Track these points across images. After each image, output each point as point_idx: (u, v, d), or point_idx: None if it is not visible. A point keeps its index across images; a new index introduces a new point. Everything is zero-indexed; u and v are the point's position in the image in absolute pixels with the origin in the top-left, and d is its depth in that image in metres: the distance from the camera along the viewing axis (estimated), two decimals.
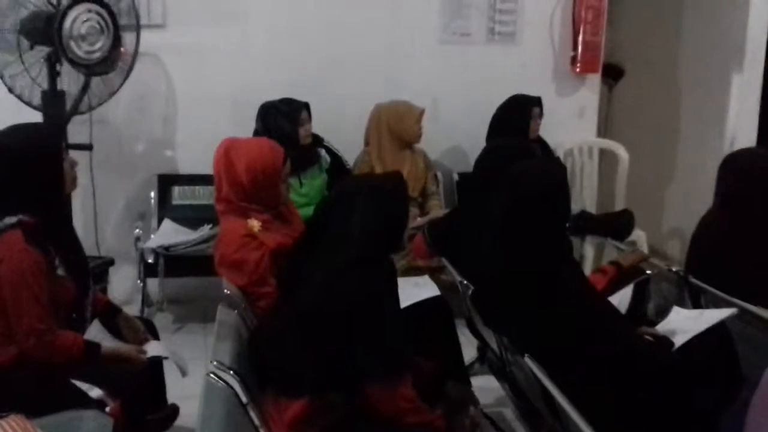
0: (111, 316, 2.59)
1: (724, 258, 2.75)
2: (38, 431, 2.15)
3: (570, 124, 4.68)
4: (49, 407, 2.24)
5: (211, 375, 1.85)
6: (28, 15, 3.43)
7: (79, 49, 3.41)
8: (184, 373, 2.50)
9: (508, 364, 2.57)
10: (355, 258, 2.03)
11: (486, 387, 2.96)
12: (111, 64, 3.54)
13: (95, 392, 2.30)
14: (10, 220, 2.25)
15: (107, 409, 2.26)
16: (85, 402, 2.27)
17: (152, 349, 2.48)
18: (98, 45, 3.44)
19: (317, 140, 4.08)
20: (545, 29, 4.59)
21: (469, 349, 3.13)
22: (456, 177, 4.46)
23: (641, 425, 2.07)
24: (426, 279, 2.90)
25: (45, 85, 3.54)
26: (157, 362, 2.58)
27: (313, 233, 2.18)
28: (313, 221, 2.21)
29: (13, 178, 2.26)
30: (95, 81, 3.62)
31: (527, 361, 2.09)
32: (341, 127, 4.21)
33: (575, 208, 4.14)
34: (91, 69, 3.50)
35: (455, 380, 2.55)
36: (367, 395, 2.00)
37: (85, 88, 3.57)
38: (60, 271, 2.32)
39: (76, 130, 3.79)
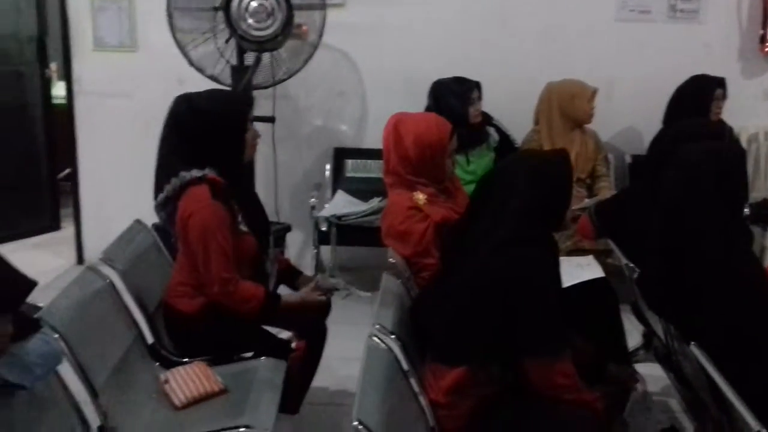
0: (291, 277, 2.79)
1: None
2: (217, 377, 2.38)
3: (756, 108, 4.40)
4: (232, 353, 2.48)
5: (374, 337, 1.93)
6: None
7: (249, 27, 3.62)
8: (357, 294, 2.62)
9: (674, 352, 2.50)
10: (514, 234, 2.04)
11: (651, 375, 2.87)
12: (282, 41, 3.71)
13: (285, 334, 2.54)
14: (198, 173, 2.48)
15: (293, 345, 2.49)
16: (269, 347, 2.49)
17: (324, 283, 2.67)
18: (268, 23, 3.63)
19: (486, 119, 4.11)
20: (732, 6, 4.33)
21: (634, 336, 3.06)
22: (628, 159, 4.33)
23: None
24: (590, 260, 2.85)
25: (233, 61, 3.80)
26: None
27: (476, 207, 2.21)
28: (476, 196, 2.24)
29: (203, 136, 2.49)
30: (279, 57, 3.83)
31: (693, 349, 2.03)
32: (511, 106, 4.20)
33: (758, 196, 3.90)
34: (261, 46, 3.69)
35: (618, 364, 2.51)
36: (524, 370, 2.02)
37: (257, 63, 3.76)
38: (242, 227, 2.52)
39: (261, 104, 4.05)
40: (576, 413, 2.02)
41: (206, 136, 2.49)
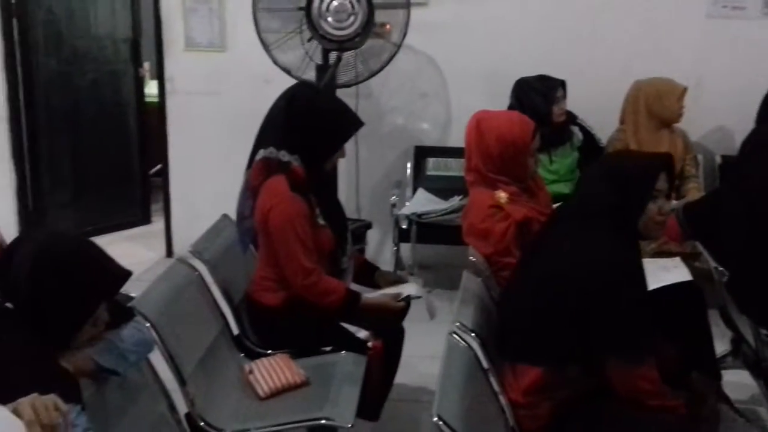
0: (369, 274, 2.82)
1: None
2: (300, 369, 2.43)
3: None
4: (314, 347, 2.52)
5: (454, 335, 1.93)
6: None
7: (328, 26, 3.67)
8: (432, 316, 2.64)
9: (764, 358, 2.42)
10: (592, 235, 2.01)
11: (739, 382, 2.79)
12: (361, 41, 3.74)
13: (362, 333, 2.56)
14: (285, 156, 2.53)
15: (369, 344, 2.51)
16: (347, 343, 2.52)
17: (408, 289, 2.65)
18: (348, 22, 3.67)
19: (570, 118, 4.06)
20: None
21: (722, 342, 2.97)
22: (719, 160, 4.20)
23: None
24: (677, 262, 2.77)
25: (318, 60, 3.87)
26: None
27: (561, 207, 2.19)
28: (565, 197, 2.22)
29: (307, 126, 2.54)
30: (363, 56, 3.87)
31: None
32: (596, 105, 4.13)
33: None
34: (341, 45, 3.74)
35: (704, 371, 2.45)
36: (606, 374, 1.99)
37: (337, 63, 3.81)
38: (320, 220, 2.56)
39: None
40: (661, 419, 1.98)
41: (309, 131, 2.54)
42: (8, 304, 1.64)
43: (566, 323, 1.99)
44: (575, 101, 4.01)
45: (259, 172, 2.57)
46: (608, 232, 2.01)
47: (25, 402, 1.30)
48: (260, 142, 2.60)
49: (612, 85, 4.05)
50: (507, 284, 2.40)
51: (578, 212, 2.08)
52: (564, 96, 3.93)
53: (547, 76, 3.93)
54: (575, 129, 4.09)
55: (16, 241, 1.76)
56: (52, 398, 1.33)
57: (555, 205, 2.75)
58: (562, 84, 3.92)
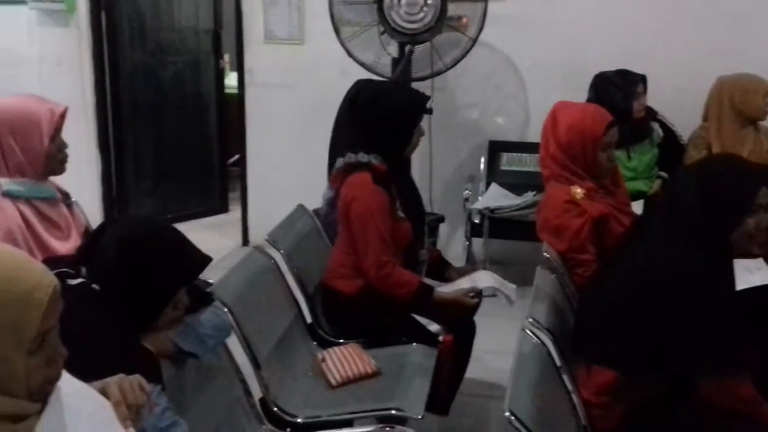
0: (441, 269, 2.83)
1: None
2: (371, 359, 2.45)
3: None
4: (385, 338, 2.54)
5: (527, 331, 1.92)
6: None
7: (400, 19, 3.67)
8: (511, 302, 2.64)
9: None
10: (681, 246, 1.96)
11: None
12: (431, 34, 3.73)
13: (433, 327, 2.57)
14: (363, 157, 2.57)
15: (440, 338, 2.52)
16: (419, 336, 2.53)
17: (480, 281, 2.65)
18: (420, 15, 3.66)
19: (650, 113, 3.97)
20: None
21: None
22: None
23: None
24: (760, 263, 2.67)
25: (394, 53, 3.88)
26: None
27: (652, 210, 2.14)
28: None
29: (377, 123, 2.57)
30: (438, 49, 3.86)
31: None
32: (678, 101, 4.04)
33: None
34: (413, 38, 3.73)
35: None
36: (698, 389, 1.93)
37: (409, 55, 3.80)
38: (400, 213, 2.59)
39: None
40: (746, 428, 1.92)
41: (380, 124, 2.58)
42: (95, 286, 1.70)
43: (645, 333, 1.94)
44: (656, 97, 3.92)
45: (341, 177, 2.61)
46: (697, 244, 1.96)
47: (112, 382, 1.33)
48: (334, 152, 2.64)
49: (694, 81, 3.94)
50: (588, 284, 2.36)
51: (667, 220, 2.03)
52: (644, 91, 3.84)
53: (627, 71, 3.85)
54: (655, 125, 4.00)
55: (102, 226, 1.82)
56: (137, 378, 1.36)
57: (633, 203, 2.69)
58: (642, 79, 3.83)
